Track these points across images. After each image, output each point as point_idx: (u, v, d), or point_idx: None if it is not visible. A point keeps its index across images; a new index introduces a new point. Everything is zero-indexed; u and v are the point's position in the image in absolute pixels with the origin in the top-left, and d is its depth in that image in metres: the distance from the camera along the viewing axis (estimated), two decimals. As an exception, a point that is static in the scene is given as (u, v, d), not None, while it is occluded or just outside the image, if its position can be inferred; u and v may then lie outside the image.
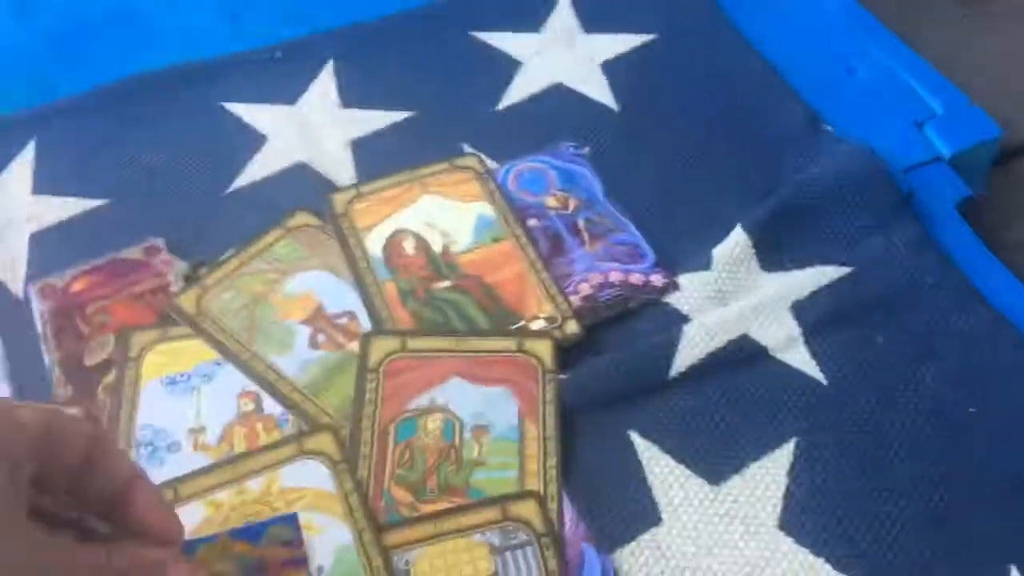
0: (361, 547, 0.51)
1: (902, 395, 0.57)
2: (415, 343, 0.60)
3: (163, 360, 0.60)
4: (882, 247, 0.63)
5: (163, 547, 0.43)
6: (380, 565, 0.51)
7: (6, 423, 0.37)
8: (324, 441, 0.55)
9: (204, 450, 0.56)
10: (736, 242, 0.63)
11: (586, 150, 0.72)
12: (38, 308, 0.65)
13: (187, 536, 0.44)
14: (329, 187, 0.71)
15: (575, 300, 0.62)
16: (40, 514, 0.38)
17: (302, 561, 0.48)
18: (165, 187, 0.72)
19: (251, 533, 0.47)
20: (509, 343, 0.60)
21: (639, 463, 0.56)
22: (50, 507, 0.40)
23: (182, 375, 0.59)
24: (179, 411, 0.57)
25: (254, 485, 0.54)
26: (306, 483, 0.54)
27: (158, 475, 0.53)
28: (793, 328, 0.60)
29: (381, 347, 0.60)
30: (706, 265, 0.63)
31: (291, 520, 0.48)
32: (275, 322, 0.62)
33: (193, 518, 0.52)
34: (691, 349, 0.59)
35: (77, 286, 0.66)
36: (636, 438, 0.57)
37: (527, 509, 0.53)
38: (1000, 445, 0.54)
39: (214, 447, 0.56)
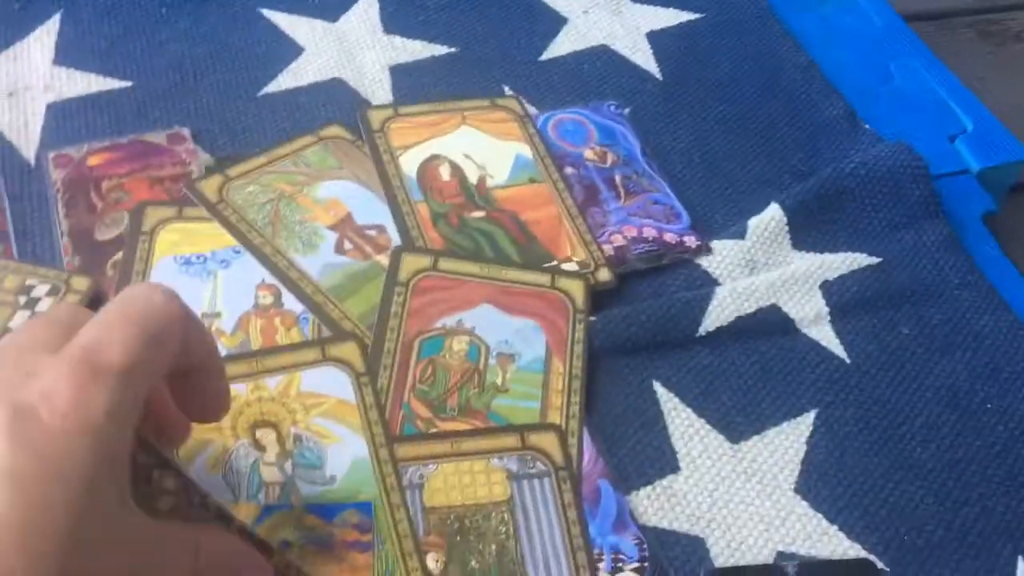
0: (377, 463, 0.50)
1: (923, 382, 0.57)
2: (447, 264, 0.59)
3: (178, 239, 0.57)
4: (912, 243, 0.64)
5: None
6: (394, 482, 0.49)
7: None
8: (349, 351, 0.54)
9: (218, 335, 0.54)
10: (772, 216, 0.63)
11: (627, 111, 0.71)
12: (51, 176, 0.62)
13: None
14: (364, 105, 0.69)
15: (608, 249, 0.62)
16: None
17: (368, 547, 0.46)
18: (195, 80, 0.70)
19: (325, 511, 0.46)
20: (542, 278, 0.59)
21: (660, 412, 0.55)
22: None
23: (198, 257, 0.57)
24: (194, 293, 0.55)
25: (272, 383, 0.52)
26: (327, 390, 0.52)
27: None
28: (821, 306, 0.60)
29: (412, 263, 0.58)
30: (740, 234, 0.63)
31: (367, 508, 0.47)
32: (301, 222, 0.60)
33: None
34: (720, 311, 0.59)
35: (94, 160, 0.63)
36: (659, 388, 0.56)
37: (547, 441, 0.52)
38: (1016, 441, 0.55)
39: (228, 335, 0.54)
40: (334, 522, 0.46)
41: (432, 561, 0.47)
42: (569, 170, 0.67)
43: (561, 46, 0.76)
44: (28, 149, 0.64)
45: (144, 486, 0.36)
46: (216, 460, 0.48)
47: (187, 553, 0.36)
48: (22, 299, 0.55)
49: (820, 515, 0.52)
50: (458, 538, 0.48)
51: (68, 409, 0.32)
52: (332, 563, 0.45)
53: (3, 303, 0.55)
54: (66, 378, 0.32)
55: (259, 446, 0.49)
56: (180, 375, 0.38)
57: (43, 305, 0.55)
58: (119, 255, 0.58)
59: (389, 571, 0.46)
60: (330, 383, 0.52)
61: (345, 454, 0.49)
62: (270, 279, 0.57)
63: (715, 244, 0.63)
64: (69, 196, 0.61)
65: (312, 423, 0.50)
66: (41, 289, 0.56)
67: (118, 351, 0.34)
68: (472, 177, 0.65)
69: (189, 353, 0.38)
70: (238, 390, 0.50)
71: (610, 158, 0.68)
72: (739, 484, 0.53)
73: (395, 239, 0.60)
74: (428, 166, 0.65)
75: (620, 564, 0.49)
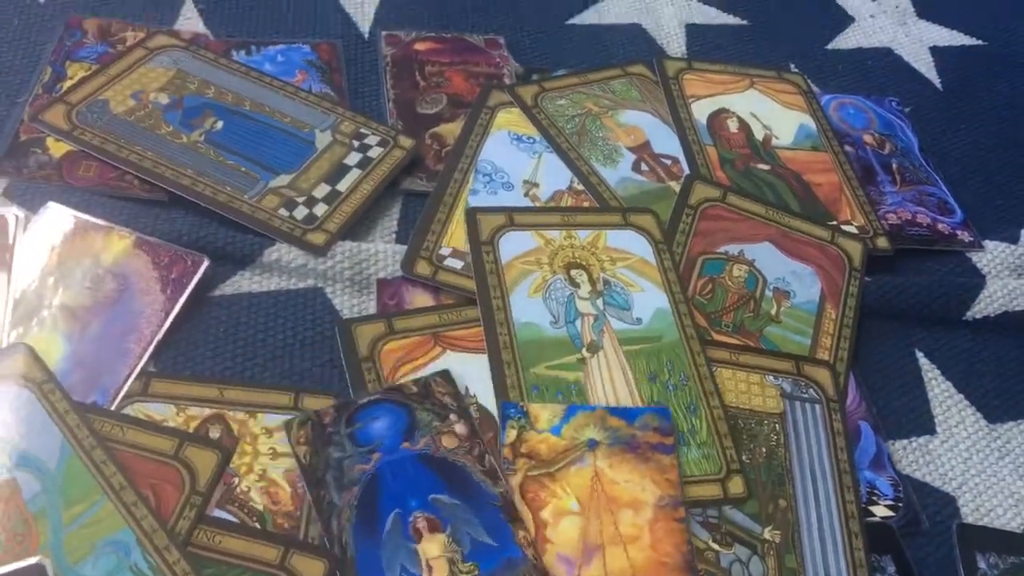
0: (677, 316, 0.54)
1: None
2: (734, 199, 0.62)
3: (514, 119, 0.63)
4: None
5: None
6: (693, 332, 0.53)
7: None
8: (647, 221, 0.58)
9: (534, 200, 0.59)
10: (1048, 230, 0.64)
11: (908, 109, 0.73)
12: (382, 51, 0.68)
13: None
14: (658, 52, 0.73)
15: (883, 225, 0.64)
16: None
17: (671, 449, 0.48)
18: (509, -1, 0.75)
19: (627, 414, 0.49)
20: (823, 232, 0.61)
21: (921, 379, 0.57)
22: None
23: (529, 138, 0.62)
24: (520, 162, 0.61)
25: (582, 235, 0.56)
26: (630, 249, 0.57)
27: (490, 201, 0.58)
28: (1088, 320, 0.61)
29: (702, 191, 0.62)
30: (1012, 239, 0.64)
31: (664, 413, 0.50)
32: (603, 138, 0.64)
33: (525, 245, 0.55)
34: (990, 302, 0.60)
35: (420, 46, 0.69)
36: (922, 358, 0.58)
37: (821, 375, 0.55)
38: None
39: (542, 202, 0.59)
40: (635, 424, 0.49)
41: (703, 449, 0.50)
42: (848, 148, 0.69)
43: (847, 40, 0.79)
44: (363, 23, 0.70)
45: None
46: (537, 287, 0.53)
47: None
48: (355, 143, 0.60)
49: (1072, 506, 0.52)
50: (732, 433, 0.51)
51: None
52: (640, 463, 0.48)
53: (340, 143, 0.60)
54: None
55: (574, 283, 0.54)
56: None
57: (374, 152, 0.60)
58: (437, 127, 0.64)
59: (694, 404, 0.50)
60: (633, 243, 0.57)
61: (649, 303, 0.54)
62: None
63: (986, 243, 0.64)
64: (396, 71, 0.67)
65: (618, 272, 0.55)
66: (373, 139, 0.61)
67: None
68: (758, 134, 0.68)
69: None
70: (552, 235, 0.56)
71: (888, 146, 0.70)
72: (992, 459, 0.54)
73: (687, 171, 0.64)
74: (717, 117, 0.69)
75: (875, 498, 0.51)
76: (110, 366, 0.48)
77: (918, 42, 0.81)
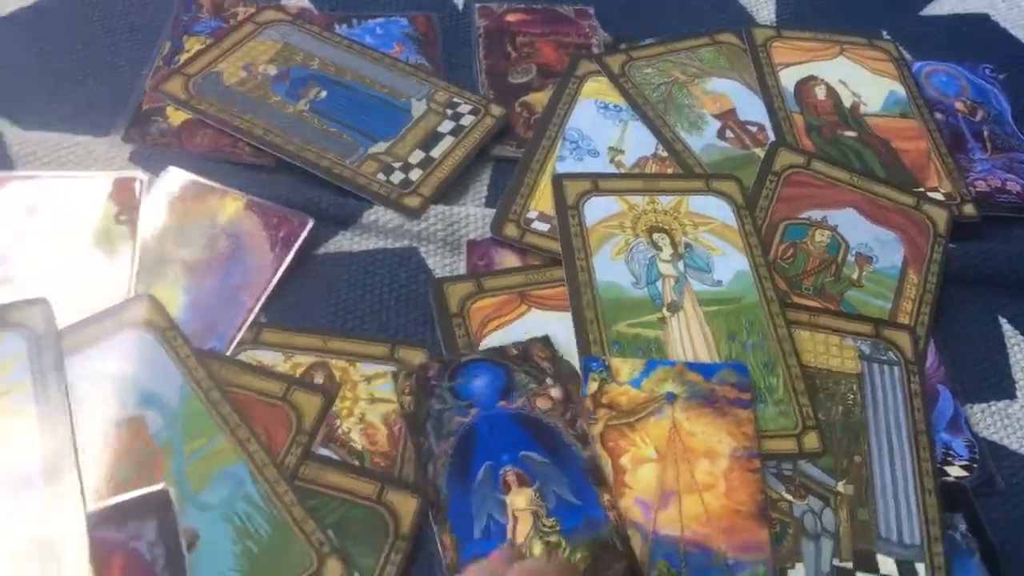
0: (757, 279, 0.55)
1: None
2: (819, 165, 0.63)
3: (601, 88, 0.65)
4: None
5: None
6: (773, 295, 0.55)
7: None
8: (730, 187, 0.60)
9: (618, 167, 0.61)
10: None
11: (1002, 76, 0.72)
12: (476, 23, 0.71)
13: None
14: (748, 20, 0.74)
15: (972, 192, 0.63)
16: None
17: (748, 404, 0.50)
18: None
19: (705, 369, 0.51)
20: (908, 199, 0.62)
21: (1004, 345, 0.57)
22: None
23: (615, 106, 0.64)
24: (606, 130, 0.63)
25: (664, 200, 0.58)
26: (712, 214, 0.58)
27: (576, 167, 0.60)
28: None
29: (786, 158, 0.63)
30: (1108, 208, 0.63)
31: (742, 369, 0.51)
32: (689, 106, 0.66)
33: (609, 209, 0.57)
34: (1081, 269, 0.60)
35: (512, 17, 0.72)
36: (1005, 324, 0.58)
37: (901, 338, 0.55)
38: None
39: (626, 168, 0.61)
40: (713, 380, 0.51)
41: (779, 405, 0.52)
42: (938, 115, 0.69)
43: (942, 6, 0.78)
44: (458, -5, 0.73)
45: None
46: (620, 249, 0.56)
47: None
48: (448, 111, 0.63)
49: None
50: (809, 392, 0.52)
51: None
52: (718, 416, 0.50)
53: (434, 112, 0.63)
54: None
55: (656, 246, 0.56)
56: None
57: (466, 120, 0.63)
58: (526, 96, 0.66)
59: (771, 363, 0.52)
60: (715, 209, 0.58)
61: (730, 266, 0.56)
62: (663, 150, 0.64)
63: (1079, 211, 0.63)
64: (489, 42, 0.70)
65: (700, 236, 0.57)
66: (465, 108, 0.64)
67: None
68: (846, 101, 0.68)
69: None
70: (636, 201, 0.58)
71: (980, 113, 0.70)
72: (1077, 426, 0.54)
73: (772, 138, 0.65)
74: (805, 84, 0.69)
75: (949, 459, 0.52)
76: (225, 316, 0.52)
77: (1015, 8, 0.79)
